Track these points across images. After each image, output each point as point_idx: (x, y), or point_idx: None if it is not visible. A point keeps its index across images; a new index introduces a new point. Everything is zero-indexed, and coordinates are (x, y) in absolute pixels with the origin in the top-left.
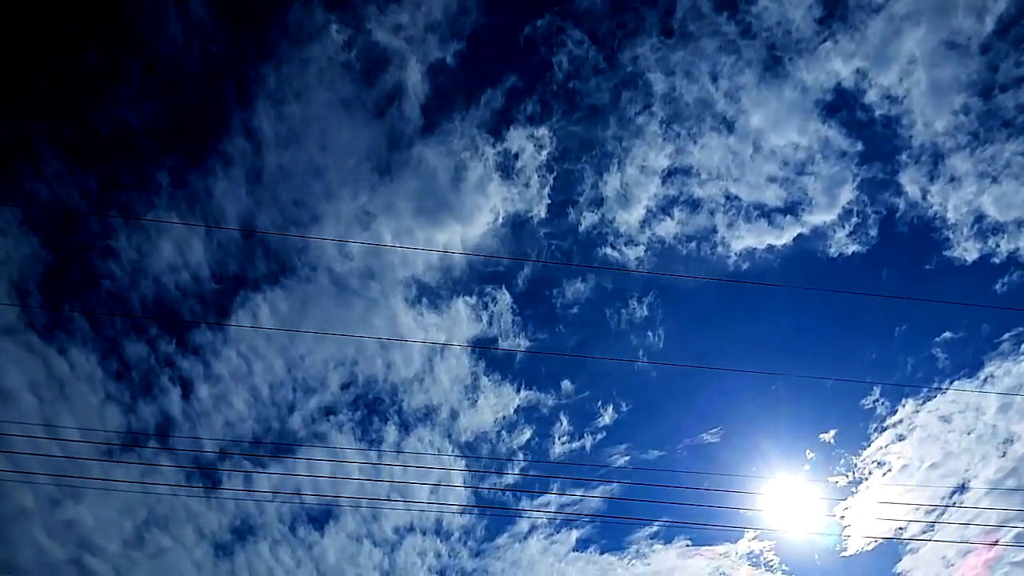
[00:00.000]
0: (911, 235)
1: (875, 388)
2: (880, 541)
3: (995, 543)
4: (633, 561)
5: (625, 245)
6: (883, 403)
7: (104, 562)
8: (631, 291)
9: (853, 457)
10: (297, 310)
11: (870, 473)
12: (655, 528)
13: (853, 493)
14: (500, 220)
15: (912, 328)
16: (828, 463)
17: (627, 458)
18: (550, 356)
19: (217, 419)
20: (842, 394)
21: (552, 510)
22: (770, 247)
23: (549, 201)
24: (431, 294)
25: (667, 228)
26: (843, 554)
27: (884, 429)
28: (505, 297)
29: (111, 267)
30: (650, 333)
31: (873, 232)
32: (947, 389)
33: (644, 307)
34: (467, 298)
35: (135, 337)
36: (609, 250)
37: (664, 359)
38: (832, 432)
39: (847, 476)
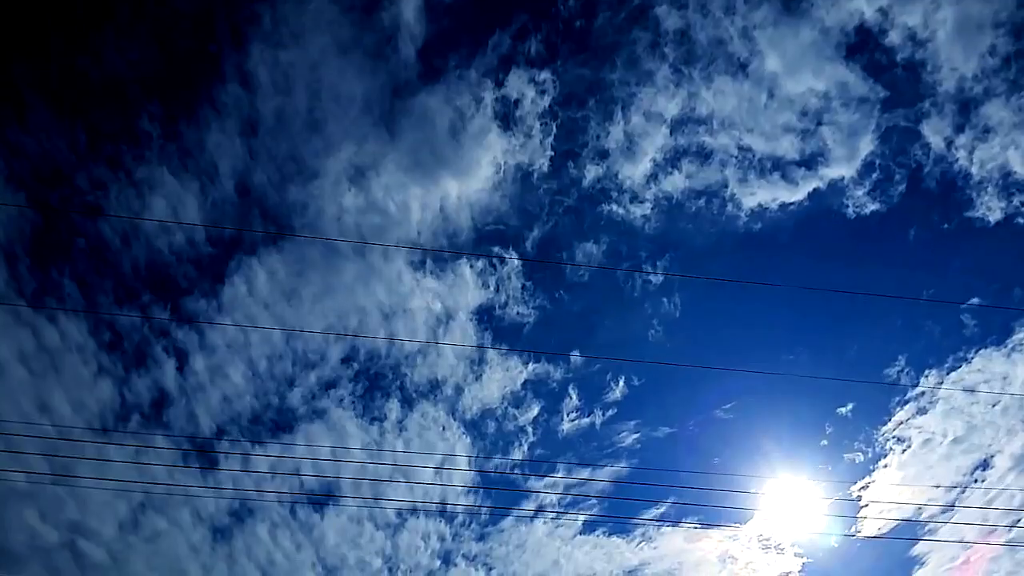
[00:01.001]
0: (937, 192)
1: (900, 357)
2: (897, 522)
3: (1017, 523)
4: (641, 544)
5: (631, 202)
6: (908, 373)
7: (98, 546)
8: (643, 253)
9: (873, 431)
10: (295, 276)
11: (890, 449)
12: (662, 509)
13: (871, 470)
14: (501, 174)
15: (939, 293)
16: (846, 438)
17: (636, 435)
18: (559, 325)
19: (214, 394)
20: (863, 365)
21: (559, 491)
22: (783, 205)
23: (552, 153)
24: (435, 257)
25: (675, 183)
26: (858, 535)
27: (906, 402)
28: (513, 260)
29: (101, 227)
30: (665, 299)
31: (895, 188)
32: (972, 358)
33: (659, 271)
34: (472, 261)
35: (128, 304)
36: (614, 207)
37: (677, 327)
38: (850, 406)
39: (865, 452)
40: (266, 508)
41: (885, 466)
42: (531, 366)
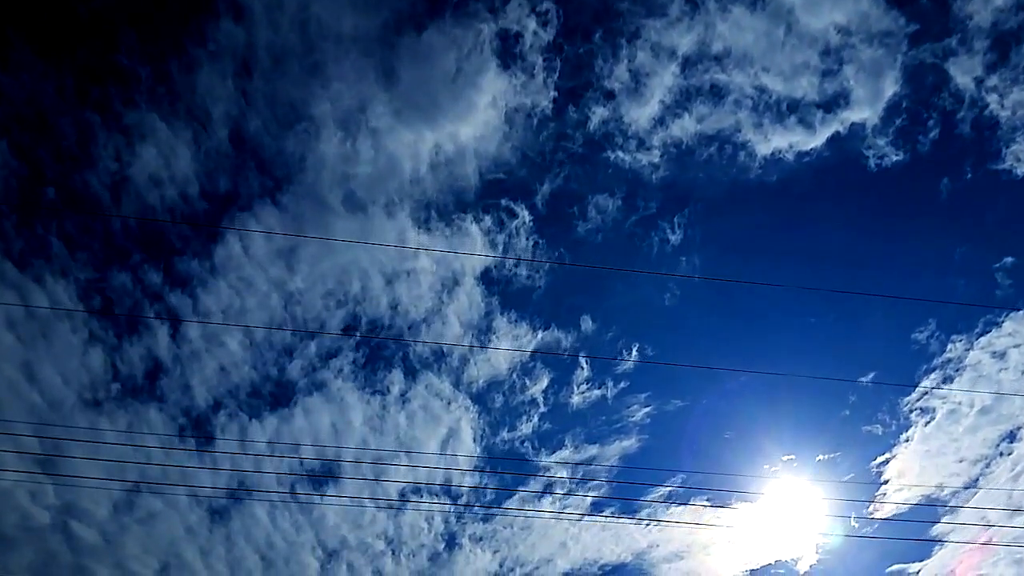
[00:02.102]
0: (968, 139)
1: (929, 321)
2: (919, 500)
3: None
4: (649, 526)
5: (637, 149)
6: (936, 337)
7: (90, 527)
8: (653, 205)
9: (896, 402)
10: (293, 234)
11: (913, 421)
12: (672, 488)
13: (893, 444)
14: (502, 118)
15: (970, 251)
16: (867, 410)
17: (647, 409)
18: (571, 287)
19: (209, 364)
20: (886, 330)
21: (568, 470)
22: (800, 154)
23: (555, 93)
24: (440, 212)
25: (684, 127)
26: (877, 514)
27: (932, 370)
28: (523, 215)
29: (89, 179)
30: (683, 259)
31: (921, 134)
32: (1003, 322)
33: (678, 229)
34: (480, 217)
35: (118, 265)
36: (620, 154)
37: (693, 291)
38: (872, 375)
39: (887, 425)
40: (264, 488)
41: (907, 440)
42: (540, 334)
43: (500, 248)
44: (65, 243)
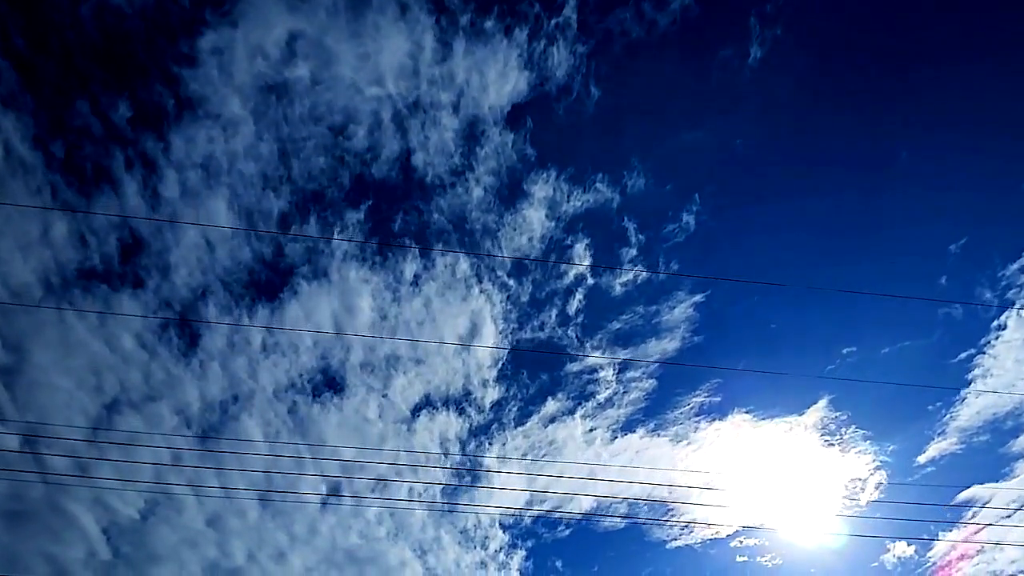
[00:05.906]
0: None
1: None
2: (1007, 403)
3: None
4: (687, 448)
5: None
6: None
7: (62, 451)
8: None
9: (995, 272)
10: (288, 61)
11: (1010, 301)
12: (706, 399)
13: (980, 334)
14: None
15: None
16: (954, 288)
17: (696, 298)
18: (615, 123)
19: (191, 235)
20: (988, 178)
21: (606, 376)
22: None
23: None
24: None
25: None
26: (954, 422)
27: None
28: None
29: None
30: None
31: None
32: None
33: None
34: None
35: (78, 93)
36: None
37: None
38: (963, 240)
39: (980, 308)
40: (259, 399)
41: (1000, 327)
42: (576, 201)
43: (536, 71)
44: (13, 64)
